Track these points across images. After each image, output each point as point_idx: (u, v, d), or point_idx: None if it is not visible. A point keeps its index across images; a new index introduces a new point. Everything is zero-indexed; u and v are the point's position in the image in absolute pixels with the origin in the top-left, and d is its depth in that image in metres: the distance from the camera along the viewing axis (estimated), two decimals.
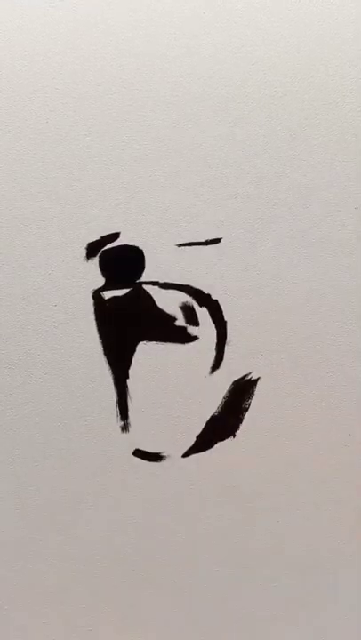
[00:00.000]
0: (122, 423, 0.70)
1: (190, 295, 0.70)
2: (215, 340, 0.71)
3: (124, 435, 0.70)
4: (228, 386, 0.71)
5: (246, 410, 0.71)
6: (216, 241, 0.70)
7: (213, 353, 0.71)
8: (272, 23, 0.68)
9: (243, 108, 0.69)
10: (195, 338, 0.71)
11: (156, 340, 0.71)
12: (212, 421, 0.71)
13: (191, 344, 0.71)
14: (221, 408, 0.71)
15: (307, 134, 0.70)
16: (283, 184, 0.70)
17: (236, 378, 0.71)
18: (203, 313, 0.71)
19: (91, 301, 0.69)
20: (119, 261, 0.69)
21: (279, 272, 0.71)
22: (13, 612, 0.71)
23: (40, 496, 0.70)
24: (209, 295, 0.70)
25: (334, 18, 0.69)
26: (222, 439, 0.71)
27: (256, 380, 0.71)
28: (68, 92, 0.67)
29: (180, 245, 0.69)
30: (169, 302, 0.70)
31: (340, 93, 0.70)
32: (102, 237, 0.68)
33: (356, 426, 0.72)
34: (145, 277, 0.69)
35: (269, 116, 0.69)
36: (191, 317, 0.70)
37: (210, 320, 0.71)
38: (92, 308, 0.69)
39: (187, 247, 0.69)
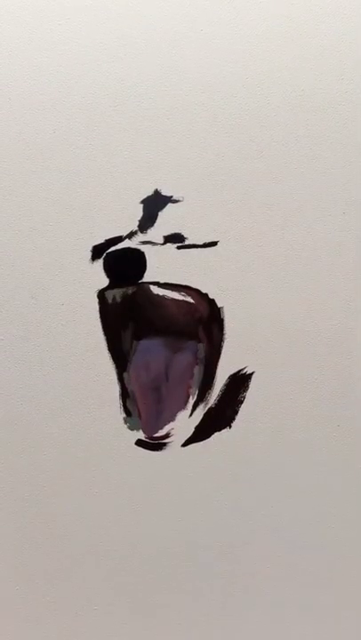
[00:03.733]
0: (125, 415, 0.73)
1: (189, 294, 0.72)
2: (213, 337, 0.73)
3: (127, 425, 0.73)
4: (225, 379, 0.73)
5: (242, 402, 0.73)
6: (213, 244, 0.72)
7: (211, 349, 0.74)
8: (268, 38, 0.71)
9: (238, 119, 0.71)
10: (194, 335, 0.74)
11: (157, 337, 0.73)
12: (210, 413, 0.73)
13: (190, 341, 0.73)
14: (218, 400, 0.73)
15: (299, 144, 0.72)
16: (276, 190, 0.73)
17: (232, 372, 0.73)
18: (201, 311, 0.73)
19: (95, 300, 0.71)
20: (122, 263, 0.71)
21: (273, 272, 0.73)
22: (17, 599, 0.74)
23: (47, 482, 0.72)
24: (207, 294, 0.73)
25: (329, 32, 0.72)
26: (219, 430, 0.74)
27: (251, 374, 0.73)
28: (73, 105, 0.69)
29: (180, 248, 0.72)
30: (170, 301, 0.72)
31: (330, 106, 0.73)
32: (106, 240, 0.71)
33: (344, 418, 0.75)
34: (146, 278, 0.72)
35: (263, 126, 0.72)
36: (190, 315, 0.73)
37: (207, 317, 0.73)
38: (96, 307, 0.71)
39: (186, 249, 0.72)
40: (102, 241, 0.71)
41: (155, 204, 0.71)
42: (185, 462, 0.73)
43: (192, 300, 0.73)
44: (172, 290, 0.72)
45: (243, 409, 0.73)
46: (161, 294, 0.72)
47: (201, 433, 0.73)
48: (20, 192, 0.70)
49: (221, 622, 0.76)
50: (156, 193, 0.71)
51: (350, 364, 0.75)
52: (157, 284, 0.72)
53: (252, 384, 0.74)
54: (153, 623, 0.75)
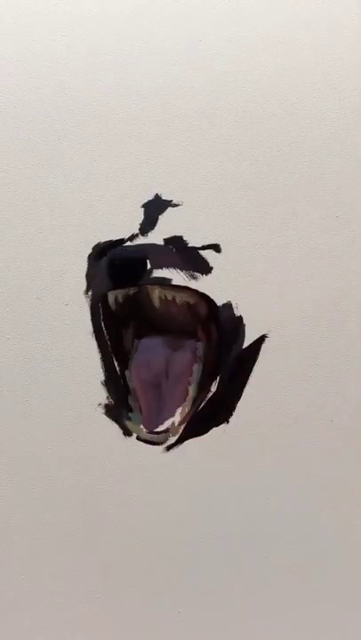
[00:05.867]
0: (126, 411, 0.75)
1: (188, 295, 0.74)
2: (211, 336, 0.75)
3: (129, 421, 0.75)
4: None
5: (238, 399, 0.75)
6: (211, 246, 0.74)
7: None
8: (264, 49, 0.74)
9: (236, 126, 0.74)
10: (193, 334, 0.76)
11: (157, 336, 0.75)
12: (208, 408, 0.76)
13: (189, 339, 0.75)
14: (216, 396, 0.75)
15: (294, 150, 0.75)
16: (272, 194, 0.75)
17: None
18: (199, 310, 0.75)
19: (98, 300, 0.73)
20: (124, 264, 0.73)
21: (270, 273, 0.75)
22: (19, 589, 0.76)
23: (49, 475, 0.75)
24: (205, 295, 0.74)
25: (324, 43, 0.74)
26: (217, 425, 0.76)
27: None
28: (77, 113, 0.72)
29: (180, 250, 0.74)
30: (170, 301, 0.75)
31: (324, 114, 0.75)
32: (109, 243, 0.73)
33: (337, 414, 0.77)
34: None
35: (260, 133, 0.74)
36: (189, 315, 0.75)
37: (205, 317, 0.75)
38: (99, 307, 0.73)
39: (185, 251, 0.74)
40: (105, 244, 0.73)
41: (155, 208, 0.73)
42: (184, 455, 0.76)
43: (191, 301, 0.74)
44: (172, 290, 0.74)
45: (239, 405, 0.76)
46: (161, 295, 0.74)
47: (200, 428, 0.76)
48: (27, 196, 0.72)
49: (221, 612, 0.78)
50: (157, 197, 0.73)
51: (346, 362, 0.77)
52: (158, 284, 0.73)
53: (249, 381, 0.76)
54: (154, 613, 0.77)
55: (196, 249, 0.74)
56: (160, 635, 0.77)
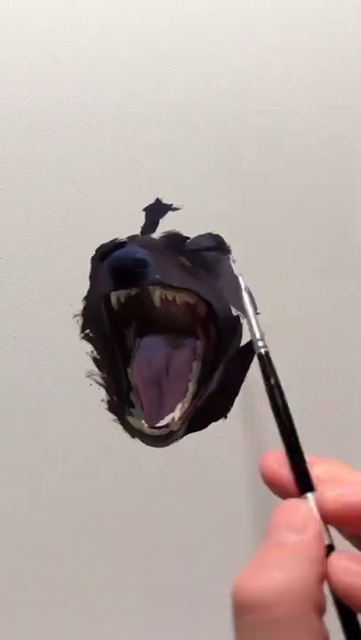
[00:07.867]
0: (128, 406, 0.77)
1: (188, 295, 0.76)
2: (210, 334, 0.78)
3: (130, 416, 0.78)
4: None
5: (237, 394, 0.78)
6: (210, 249, 0.76)
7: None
8: (263, 58, 0.76)
9: (235, 132, 0.77)
10: (192, 332, 0.78)
11: (158, 335, 0.78)
12: (207, 404, 0.78)
13: (189, 338, 0.78)
14: (215, 393, 0.78)
15: (291, 156, 0.78)
16: (269, 198, 0.78)
17: None
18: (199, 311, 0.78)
19: (101, 300, 0.76)
20: (126, 266, 0.75)
21: (267, 274, 0.78)
22: (19, 585, 0.78)
23: (52, 470, 0.77)
24: (202, 294, 0.77)
25: (320, 51, 0.77)
26: (216, 420, 0.78)
27: None
28: (80, 120, 0.74)
29: (180, 252, 0.76)
30: (170, 302, 0.77)
31: (318, 121, 0.78)
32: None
33: (332, 411, 0.80)
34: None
35: (259, 140, 0.77)
36: (189, 315, 0.77)
37: (204, 316, 0.78)
38: (102, 307, 0.76)
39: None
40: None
41: (156, 212, 0.75)
42: (183, 450, 0.78)
43: (191, 301, 0.77)
44: (173, 291, 0.76)
45: (237, 401, 0.78)
46: (162, 295, 0.76)
47: (199, 423, 0.78)
48: (31, 201, 0.74)
49: (222, 607, 0.80)
50: (158, 201, 0.75)
51: (342, 359, 0.80)
52: (159, 285, 0.75)
53: (247, 378, 0.78)
54: (154, 609, 0.79)
55: (195, 250, 0.76)
56: (160, 632, 0.80)
